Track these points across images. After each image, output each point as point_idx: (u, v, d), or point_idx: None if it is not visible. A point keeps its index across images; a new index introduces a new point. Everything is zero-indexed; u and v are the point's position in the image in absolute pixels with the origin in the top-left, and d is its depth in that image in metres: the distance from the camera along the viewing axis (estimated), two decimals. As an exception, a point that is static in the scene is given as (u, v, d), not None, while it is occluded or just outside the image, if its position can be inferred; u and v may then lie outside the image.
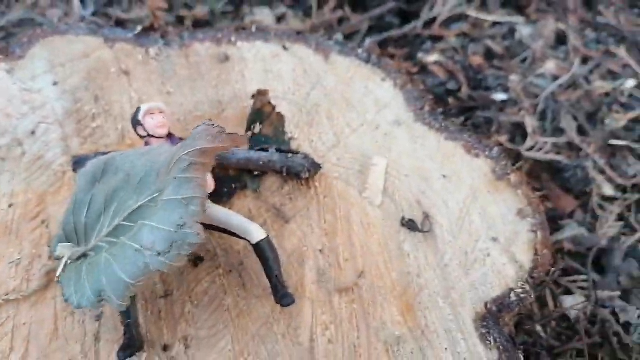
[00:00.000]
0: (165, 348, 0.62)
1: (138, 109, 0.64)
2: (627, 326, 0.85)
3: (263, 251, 0.61)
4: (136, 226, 0.54)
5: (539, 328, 0.81)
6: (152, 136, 0.64)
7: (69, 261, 0.57)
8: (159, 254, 0.49)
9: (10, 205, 0.69)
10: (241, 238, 0.63)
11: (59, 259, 0.56)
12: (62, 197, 0.70)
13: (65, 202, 0.70)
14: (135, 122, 0.64)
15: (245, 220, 0.62)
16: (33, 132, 0.74)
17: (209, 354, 0.62)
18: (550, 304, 0.85)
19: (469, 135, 0.77)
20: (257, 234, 0.61)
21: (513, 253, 0.69)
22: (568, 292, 0.89)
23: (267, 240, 0.62)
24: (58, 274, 0.56)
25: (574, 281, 0.90)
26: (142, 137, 0.65)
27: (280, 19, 1.13)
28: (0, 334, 0.62)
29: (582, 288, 0.89)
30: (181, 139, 0.62)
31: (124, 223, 0.56)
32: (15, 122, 0.75)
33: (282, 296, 0.61)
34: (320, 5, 1.20)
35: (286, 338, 0.63)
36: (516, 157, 0.72)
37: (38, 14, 1.45)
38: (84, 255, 0.57)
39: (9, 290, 0.64)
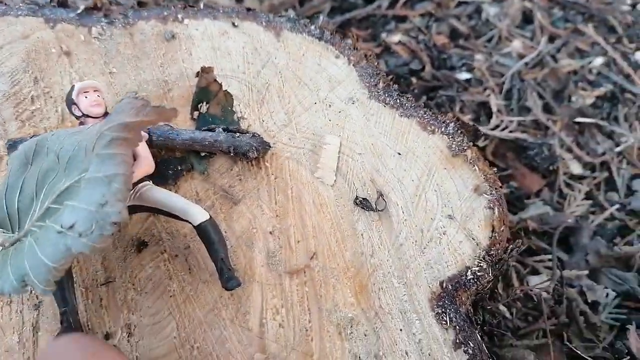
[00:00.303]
0: (107, 336, 0.59)
1: (72, 88, 0.61)
2: (595, 305, 0.84)
3: (206, 233, 0.58)
4: (62, 207, 0.51)
5: (503, 308, 0.79)
6: (88, 116, 0.61)
7: (1, 249, 0.53)
8: (80, 234, 0.46)
9: (-60, 194, 0.65)
10: (184, 220, 0.60)
11: None
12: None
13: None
14: (70, 102, 0.61)
15: (186, 202, 0.59)
16: (-34, 117, 0.70)
17: (152, 341, 0.59)
18: (516, 284, 0.84)
19: (425, 111, 0.74)
20: (200, 215, 0.58)
21: (469, 230, 0.67)
22: (535, 272, 0.88)
23: (211, 221, 0.58)
24: None
25: (540, 261, 0.88)
26: (77, 117, 0.61)
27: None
28: None
29: (548, 268, 0.88)
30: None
31: (53, 206, 0.53)
32: (-53, 107, 0.71)
33: (227, 279, 0.57)
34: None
35: (234, 323, 0.61)
36: (474, 133, 0.70)
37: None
38: (18, 241, 0.54)
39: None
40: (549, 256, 0.87)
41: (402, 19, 1.15)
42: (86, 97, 0.60)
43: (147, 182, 0.61)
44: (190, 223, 0.59)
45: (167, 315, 0.61)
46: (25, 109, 0.72)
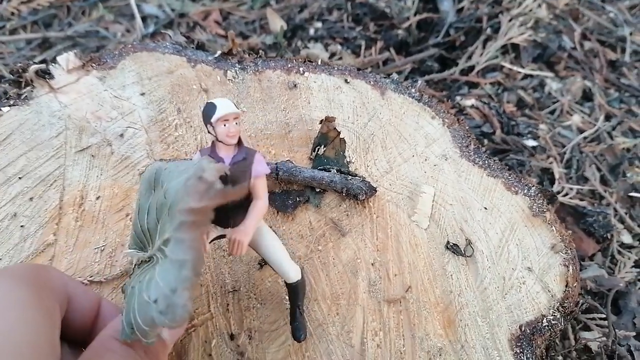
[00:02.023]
0: (232, 337, 0.69)
1: (213, 108, 0.57)
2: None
3: (295, 290, 0.65)
4: (155, 266, 0.53)
5: (560, 358, 0.87)
6: (220, 141, 0.59)
7: (136, 266, 0.57)
8: (161, 312, 0.46)
9: (97, 198, 0.77)
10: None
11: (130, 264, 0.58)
12: (144, 194, 0.78)
13: (148, 199, 0.78)
14: (207, 121, 0.58)
15: (284, 259, 0.63)
16: (121, 135, 0.83)
17: (270, 346, 0.69)
18: (571, 337, 0.92)
19: (509, 174, 0.85)
20: (293, 275, 0.63)
21: (546, 283, 0.76)
22: (587, 328, 0.96)
23: (301, 282, 0.65)
24: (124, 282, 0.58)
25: (593, 318, 0.97)
26: (209, 133, 0.60)
27: (332, 55, 1.23)
28: (85, 311, 0.69)
29: (599, 326, 0.96)
30: (248, 152, 0.58)
31: (163, 247, 0.53)
32: (105, 124, 0.84)
33: (297, 328, 0.65)
34: (368, 46, 1.31)
35: (339, 339, 0.70)
36: (551, 198, 0.80)
37: (102, 27, 1.57)
38: (151, 258, 0.56)
39: (94, 272, 0.72)
40: (601, 315, 0.95)
41: (475, 85, 1.27)
42: (224, 126, 0.57)
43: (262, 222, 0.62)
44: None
45: (284, 324, 0.71)
46: (170, 134, 0.84)
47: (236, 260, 0.75)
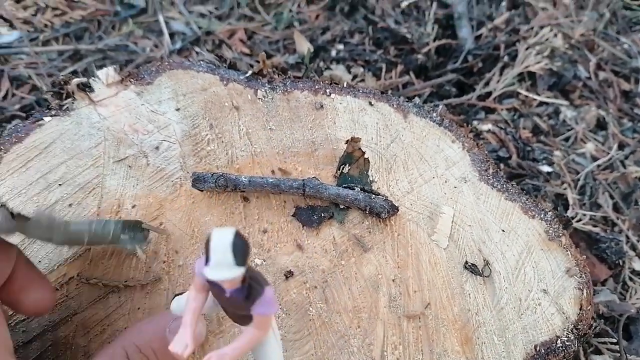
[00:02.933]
0: None
1: (208, 255, 0.45)
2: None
3: None
4: None
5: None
6: None
7: None
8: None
9: (133, 206, 0.81)
10: None
11: None
12: (178, 205, 0.82)
13: (181, 210, 0.82)
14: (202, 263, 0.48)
15: None
16: (157, 148, 0.87)
17: (294, 354, 0.72)
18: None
19: (527, 198, 0.88)
20: None
21: (560, 305, 0.79)
22: (598, 352, 0.98)
23: None
24: None
25: (604, 343, 0.99)
26: None
27: (354, 77, 1.28)
28: (119, 314, 0.73)
29: (610, 350, 0.98)
30: (253, 292, 0.49)
31: None
32: (142, 137, 0.88)
33: None
34: (389, 70, 1.35)
35: (361, 351, 0.73)
36: (566, 223, 0.83)
37: (131, 42, 1.63)
38: None
39: (129, 278, 0.76)
40: (612, 339, 0.98)
41: (491, 110, 1.31)
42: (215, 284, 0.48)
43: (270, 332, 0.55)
44: None
45: (307, 335, 0.74)
46: (202, 149, 0.88)
47: (262, 270, 0.78)
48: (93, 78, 0.93)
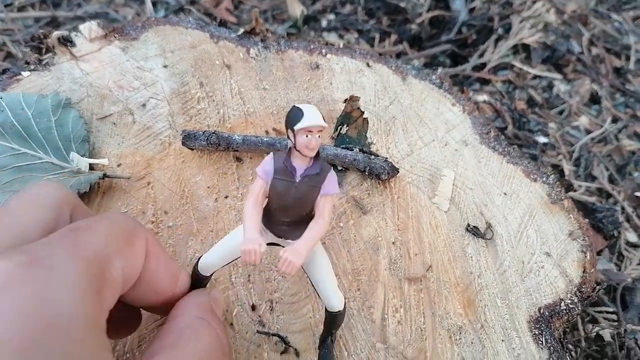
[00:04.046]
0: (253, 308, 0.69)
1: (299, 114, 0.49)
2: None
3: (334, 318, 0.61)
4: None
5: (570, 347, 0.88)
6: (297, 150, 0.51)
7: None
8: None
9: (118, 165, 0.77)
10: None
11: None
12: (166, 164, 0.78)
13: (170, 169, 0.77)
14: (289, 126, 0.51)
15: (331, 288, 0.59)
16: (144, 105, 0.82)
17: (291, 317, 0.69)
18: (581, 329, 0.92)
19: (529, 162, 0.86)
20: (337, 304, 0.59)
21: (564, 268, 0.77)
22: (595, 321, 0.97)
23: (343, 311, 0.60)
24: None
25: (600, 312, 0.97)
26: (288, 138, 0.53)
27: (347, 44, 1.24)
28: (105, 275, 0.68)
29: (607, 319, 0.97)
30: (323, 167, 0.52)
31: None
32: (127, 94, 0.83)
33: (324, 355, 0.62)
34: (382, 39, 1.32)
35: (361, 314, 0.70)
36: (567, 187, 0.81)
37: (112, 9, 1.56)
38: None
39: (114, 238, 0.71)
40: (608, 309, 0.96)
41: (486, 82, 1.29)
42: (307, 137, 0.49)
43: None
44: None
45: (304, 297, 0.70)
46: (192, 107, 0.84)
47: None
48: (75, 33, 0.88)
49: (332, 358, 0.63)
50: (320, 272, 0.57)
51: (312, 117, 0.49)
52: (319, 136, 0.50)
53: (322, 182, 0.52)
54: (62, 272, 0.37)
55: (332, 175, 0.52)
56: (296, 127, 0.49)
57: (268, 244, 0.55)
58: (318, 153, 0.52)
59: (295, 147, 0.51)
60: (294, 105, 0.51)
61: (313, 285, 0.59)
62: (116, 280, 0.42)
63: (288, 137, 0.51)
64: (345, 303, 0.60)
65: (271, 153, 0.53)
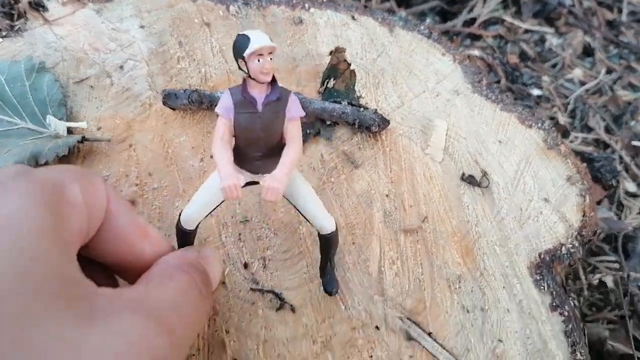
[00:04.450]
0: (245, 266, 0.67)
1: (245, 40, 0.48)
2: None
3: (328, 241, 0.61)
4: None
5: (572, 295, 0.86)
6: (252, 79, 0.50)
7: None
8: None
9: (98, 128, 0.74)
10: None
11: None
12: (148, 125, 0.75)
13: (152, 130, 0.75)
14: (238, 55, 0.49)
15: (320, 210, 0.58)
16: (121, 67, 0.79)
17: (285, 274, 0.66)
18: (583, 278, 0.91)
19: (523, 108, 0.83)
20: (329, 225, 0.59)
21: (563, 213, 0.75)
22: (596, 271, 0.95)
23: (335, 232, 0.60)
24: None
25: (601, 261, 0.96)
26: (240, 69, 0.51)
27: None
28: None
29: (609, 268, 0.95)
30: (282, 91, 0.51)
31: None
32: (104, 56, 0.80)
33: (328, 281, 0.63)
34: (368, -3, 1.28)
35: (357, 267, 0.68)
36: (564, 132, 0.78)
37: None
38: None
39: (97, 203, 0.68)
40: (609, 258, 0.95)
41: (477, 37, 1.25)
42: (259, 61, 0.48)
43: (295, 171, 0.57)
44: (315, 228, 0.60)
45: (298, 253, 0.68)
46: (172, 67, 0.80)
47: (246, 191, 0.72)
48: (45, -4, 0.84)
49: (335, 281, 0.63)
50: (305, 197, 0.57)
51: (259, 39, 0.48)
52: (270, 59, 0.49)
53: (284, 107, 0.51)
54: (12, 187, 0.37)
55: (293, 98, 0.52)
56: (245, 54, 0.47)
57: (246, 184, 0.54)
58: (274, 78, 0.50)
59: (249, 76, 0.50)
60: (238, 34, 0.49)
61: (301, 213, 0.59)
62: (77, 200, 0.40)
63: (240, 67, 0.50)
64: (336, 224, 0.60)
65: (227, 89, 0.51)
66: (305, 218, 0.59)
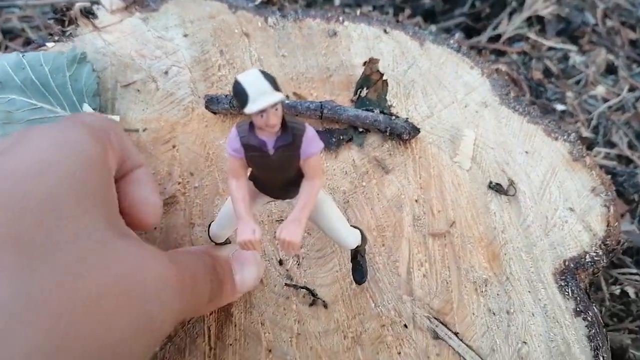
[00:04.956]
0: (281, 262, 0.70)
1: (243, 95, 0.41)
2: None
3: (355, 252, 0.64)
4: None
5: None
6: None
7: None
8: None
9: (144, 130, 0.78)
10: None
11: None
12: (190, 128, 0.79)
13: (194, 133, 0.79)
14: (239, 108, 0.43)
15: (343, 231, 0.58)
16: (166, 73, 0.83)
17: (318, 272, 0.70)
18: (604, 289, 0.92)
19: (549, 121, 0.86)
20: (353, 242, 0.60)
21: (588, 222, 0.77)
22: (617, 282, 0.97)
23: (362, 241, 0.63)
24: None
25: (623, 274, 0.97)
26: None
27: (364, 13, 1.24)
28: (135, 233, 0.70)
29: (629, 280, 0.96)
30: (296, 132, 0.46)
31: None
32: (149, 62, 0.84)
33: (357, 269, 0.65)
34: (396, 13, 1.32)
35: (386, 268, 0.71)
36: (589, 145, 0.81)
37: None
38: None
39: (142, 199, 0.72)
40: (631, 270, 0.96)
41: (502, 53, 1.29)
42: (262, 117, 0.43)
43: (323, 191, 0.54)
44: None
45: (330, 252, 0.71)
46: (213, 74, 0.85)
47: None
48: (96, 5, 0.89)
49: (365, 271, 0.65)
50: (328, 220, 0.56)
51: (258, 96, 0.41)
52: (275, 110, 0.42)
53: (299, 148, 0.46)
54: (74, 123, 0.48)
55: (308, 136, 0.46)
56: (246, 112, 0.42)
57: (267, 202, 0.56)
58: (284, 121, 0.45)
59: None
60: (236, 80, 0.43)
61: (325, 233, 0.58)
62: (115, 145, 0.51)
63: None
64: (362, 233, 0.61)
65: (234, 127, 0.47)
66: (330, 237, 0.58)
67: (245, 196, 0.49)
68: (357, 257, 0.66)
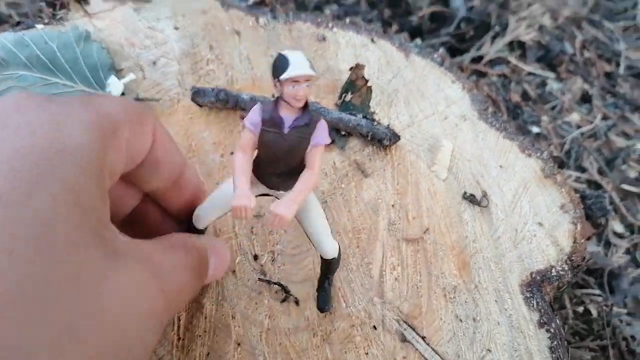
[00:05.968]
0: (255, 257, 0.70)
1: (285, 63, 0.47)
2: (634, 339, 0.95)
3: (329, 265, 0.63)
4: None
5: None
6: (285, 101, 0.49)
7: None
8: None
9: (127, 117, 0.78)
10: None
11: None
12: (175, 119, 0.79)
13: (178, 124, 0.79)
14: (275, 75, 0.48)
15: (325, 237, 0.59)
16: (154, 63, 0.84)
17: (292, 269, 0.70)
18: (568, 307, 0.95)
19: (524, 138, 0.89)
20: (331, 252, 0.60)
21: (555, 237, 0.80)
22: (582, 303, 0.99)
23: (337, 258, 0.62)
24: None
25: (587, 294, 1.00)
26: (275, 87, 0.50)
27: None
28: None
29: (593, 301, 0.99)
30: (313, 117, 0.50)
31: None
32: (138, 51, 0.85)
33: (322, 298, 0.65)
34: (384, 30, 1.35)
35: (359, 269, 0.72)
36: (560, 164, 0.84)
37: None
38: None
39: (121, 185, 0.72)
40: (594, 291, 0.99)
41: (483, 74, 1.33)
42: (293, 87, 0.47)
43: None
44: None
45: (306, 250, 0.72)
46: (201, 68, 0.86)
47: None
48: (88, -9, 0.89)
49: (330, 299, 0.65)
50: (313, 222, 0.57)
51: (298, 65, 0.46)
52: (307, 85, 0.47)
53: (312, 133, 0.50)
54: (76, 113, 0.41)
55: (322, 125, 0.50)
56: (282, 77, 0.46)
57: (259, 195, 0.55)
58: (307, 103, 0.49)
59: (282, 98, 0.48)
60: (279, 53, 0.48)
61: (307, 235, 0.59)
62: (120, 147, 0.44)
63: (275, 86, 0.49)
64: (340, 250, 0.61)
65: (258, 103, 0.51)
66: (310, 240, 0.59)
67: (247, 171, 0.51)
68: (325, 285, 0.65)
